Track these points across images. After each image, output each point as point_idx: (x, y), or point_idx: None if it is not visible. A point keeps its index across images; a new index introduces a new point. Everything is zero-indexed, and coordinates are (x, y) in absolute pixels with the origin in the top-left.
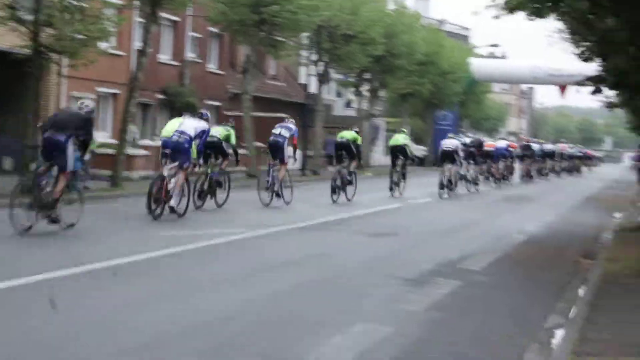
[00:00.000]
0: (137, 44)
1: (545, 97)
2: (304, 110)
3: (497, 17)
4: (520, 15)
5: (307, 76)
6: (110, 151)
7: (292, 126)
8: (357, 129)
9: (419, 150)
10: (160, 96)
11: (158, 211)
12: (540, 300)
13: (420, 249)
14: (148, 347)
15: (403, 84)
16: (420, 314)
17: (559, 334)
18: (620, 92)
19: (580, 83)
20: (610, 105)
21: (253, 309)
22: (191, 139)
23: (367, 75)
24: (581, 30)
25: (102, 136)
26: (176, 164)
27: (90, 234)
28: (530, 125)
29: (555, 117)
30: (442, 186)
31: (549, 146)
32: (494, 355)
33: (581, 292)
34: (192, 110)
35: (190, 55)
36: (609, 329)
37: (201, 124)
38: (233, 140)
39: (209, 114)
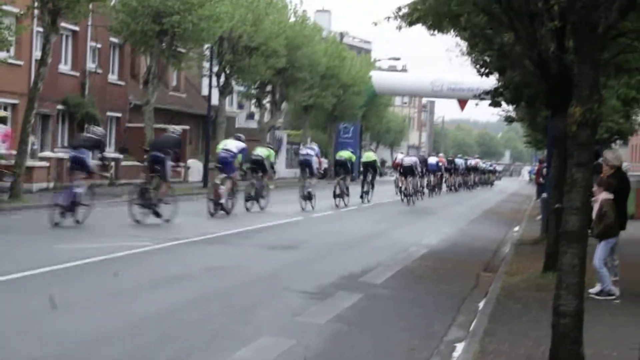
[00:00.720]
0: (37, 54)
1: (445, 111)
2: (206, 122)
3: (399, 27)
4: (421, 30)
5: (209, 88)
6: (8, 162)
7: (316, 147)
8: (352, 150)
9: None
10: (60, 107)
11: (212, 210)
12: (441, 313)
13: (321, 262)
14: None
15: (305, 96)
16: (322, 326)
17: (460, 347)
18: (517, 106)
19: (479, 96)
20: (509, 119)
21: (153, 322)
22: (234, 155)
23: (269, 88)
24: (480, 45)
25: None
26: (224, 175)
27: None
28: (431, 139)
29: (454, 131)
30: (406, 195)
31: (471, 161)
32: None
33: (481, 305)
34: (92, 121)
35: (90, 65)
36: (508, 342)
37: (240, 144)
38: (273, 158)
39: (243, 137)
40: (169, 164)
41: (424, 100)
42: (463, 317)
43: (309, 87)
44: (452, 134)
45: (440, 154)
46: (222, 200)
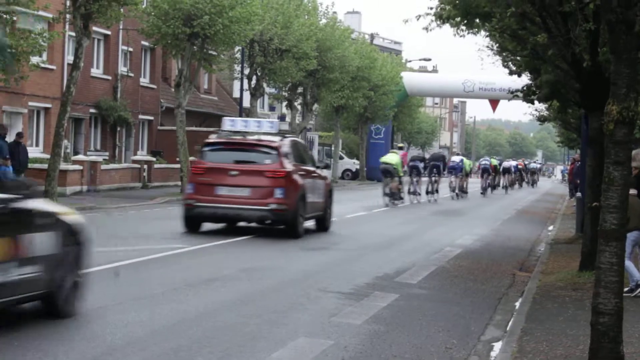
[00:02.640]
0: (69, 58)
1: (476, 111)
2: None
3: (426, 28)
4: (452, 30)
5: (241, 90)
6: (42, 166)
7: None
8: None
9: (352, 164)
10: (93, 110)
11: (455, 197)
12: (477, 312)
13: (355, 262)
14: None
15: (336, 97)
16: (359, 327)
17: (498, 346)
18: (550, 106)
19: (512, 95)
20: (542, 119)
21: (188, 325)
22: (458, 162)
23: (300, 89)
24: (512, 46)
25: (34, 151)
26: (454, 175)
27: None
28: (462, 139)
29: (486, 131)
30: (504, 187)
31: (536, 165)
32: None
33: (518, 304)
34: (124, 124)
35: (122, 69)
36: (546, 341)
37: (461, 157)
38: (470, 165)
39: (462, 152)
40: (441, 168)
41: (455, 100)
42: (500, 317)
43: (340, 88)
44: (483, 135)
45: (520, 159)
46: (457, 190)
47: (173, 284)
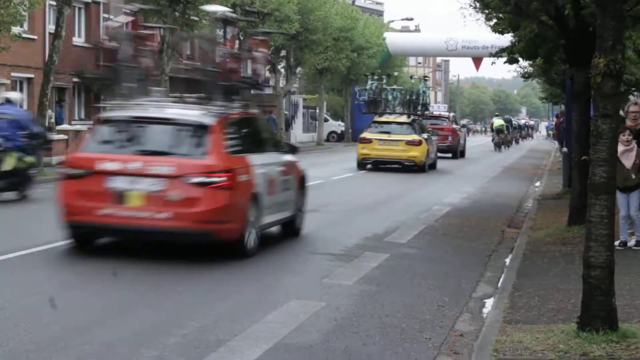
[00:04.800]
0: (51, 27)
1: (460, 69)
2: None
3: None
4: None
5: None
6: None
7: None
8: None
9: (337, 126)
10: (76, 79)
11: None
12: (468, 270)
13: (344, 224)
14: (63, 339)
15: (320, 59)
16: (351, 287)
17: (489, 302)
18: (534, 62)
19: (495, 54)
20: (526, 75)
21: (179, 291)
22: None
23: (283, 52)
24: (494, 3)
25: None
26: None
27: (18, 220)
28: (446, 98)
29: (469, 89)
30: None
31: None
32: (427, 326)
33: (508, 261)
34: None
35: (104, 37)
36: (537, 296)
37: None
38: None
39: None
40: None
41: (439, 59)
42: (490, 274)
43: (323, 50)
44: (467, 93)
45: (526, 117)
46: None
47: (156, 253)
